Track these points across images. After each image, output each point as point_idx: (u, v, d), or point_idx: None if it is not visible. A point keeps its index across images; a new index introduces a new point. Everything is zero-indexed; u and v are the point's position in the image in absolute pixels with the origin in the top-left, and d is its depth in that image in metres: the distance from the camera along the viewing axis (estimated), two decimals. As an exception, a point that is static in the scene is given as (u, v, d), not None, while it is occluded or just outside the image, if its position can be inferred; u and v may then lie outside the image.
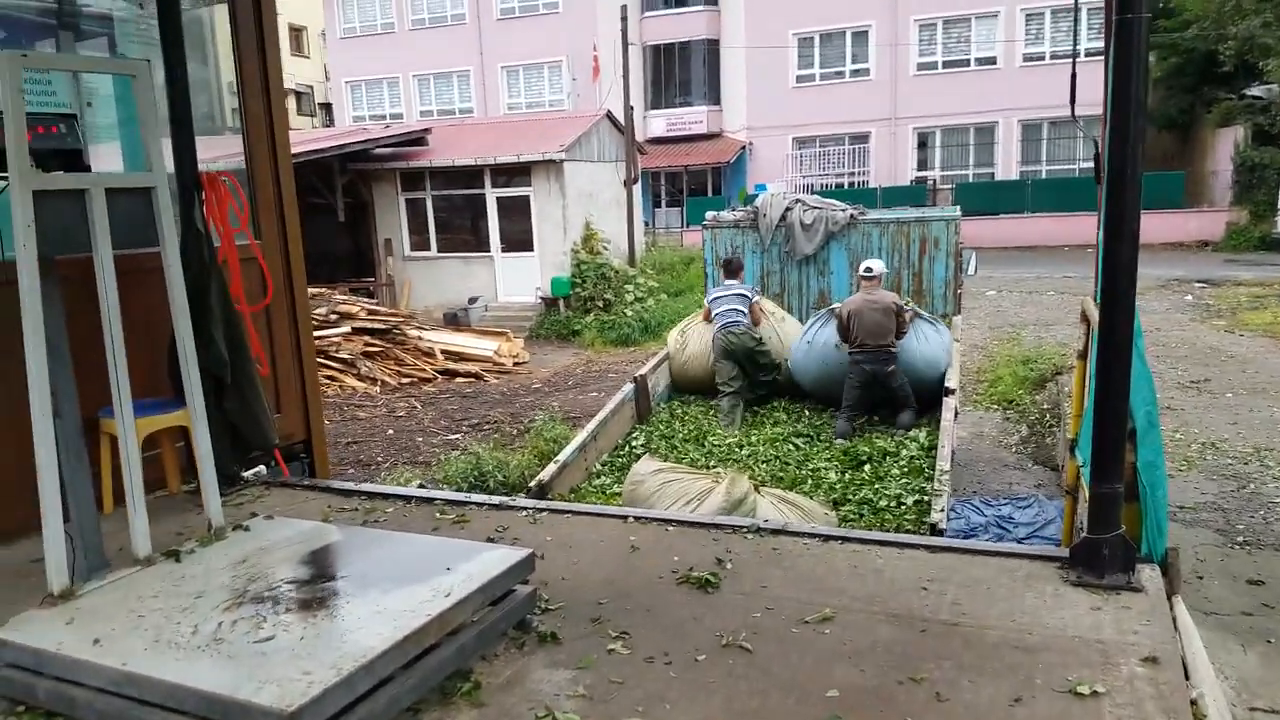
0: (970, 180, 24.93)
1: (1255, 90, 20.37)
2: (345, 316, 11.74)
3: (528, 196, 16.19)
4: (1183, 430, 7.03)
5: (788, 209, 7.93)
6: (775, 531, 2.93)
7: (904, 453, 5.71)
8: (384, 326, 12.00)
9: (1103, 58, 2.58)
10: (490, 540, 2.90)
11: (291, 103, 31.50)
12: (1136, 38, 2.25)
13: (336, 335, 11.36)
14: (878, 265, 6.65)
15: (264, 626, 1.98)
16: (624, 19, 19.40)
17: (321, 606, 2.10)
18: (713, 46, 27.22)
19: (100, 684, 1.86)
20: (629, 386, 6.72)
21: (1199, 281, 15.18)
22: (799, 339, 6.96)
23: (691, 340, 7.35)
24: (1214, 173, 21.69)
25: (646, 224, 23.77)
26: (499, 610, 2.21)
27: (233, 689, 1.74)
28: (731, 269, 7.18)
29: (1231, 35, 19.18)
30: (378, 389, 10.93)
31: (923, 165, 25.76)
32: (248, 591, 2.17)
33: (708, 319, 7.11)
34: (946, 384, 6.18)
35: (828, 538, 2.88)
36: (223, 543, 2.53)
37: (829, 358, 6.58)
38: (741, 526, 2.97)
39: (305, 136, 18.24)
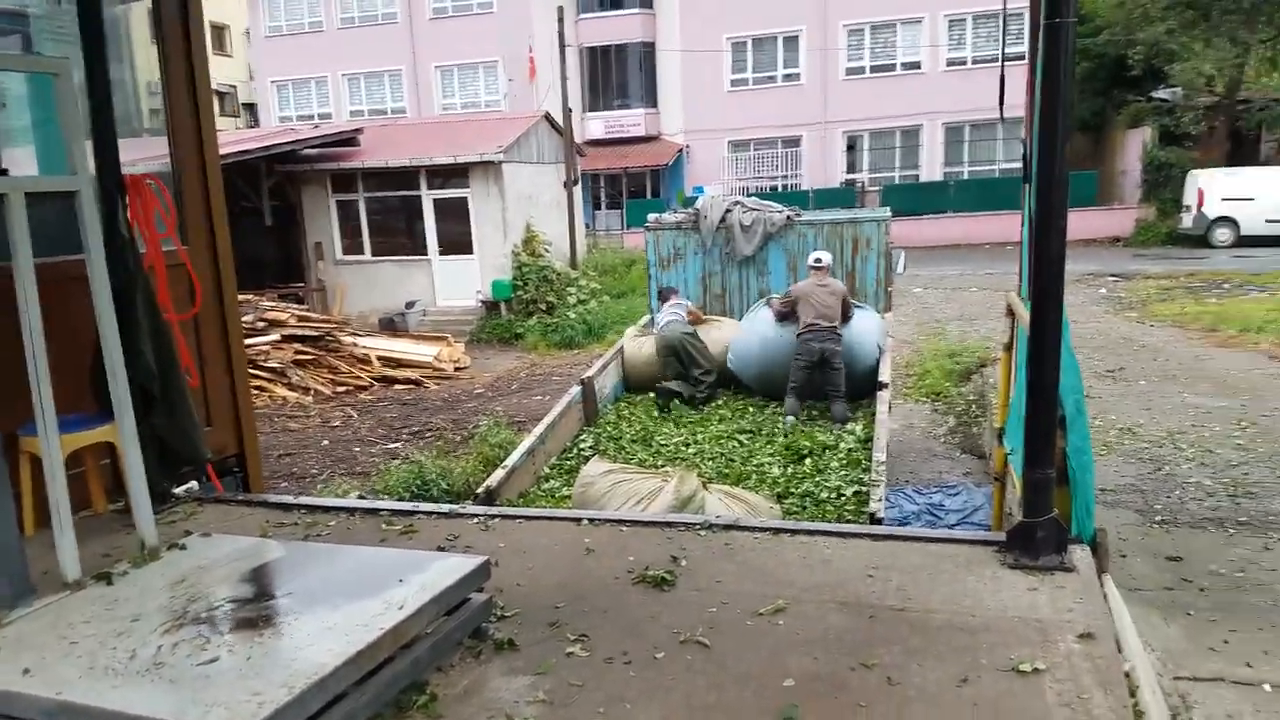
0: (896, 182, 25.71)
1: (1161, 93, 21.63)
2: (274, 324, 11.31)
3: (465, 198, 15.94)
4: (1101, 417, 7.38)
5: (727, 211, 8.07)
6: (727, 527, 2.97)
7: (842, 446, 5.87)
8: (316, 333, 11.61)
9: (1024, 62, 2.67)
10: (441, 549, 2.85)
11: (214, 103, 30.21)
12: (1064, 41, 2.32)
13: (265, 343, 10.93)
14: (826, 256, 7.07)
15: (207, 648, 1.91)
16: (560, 20, 19.31)
17: (268, 625, 2.03)
18: (649, 49, 27.33)
19: (34, 715, 1.77)
20: (576, 389, 6.71)
21: (1111, 275, 15.97)
22: (740, 325, 7.27)
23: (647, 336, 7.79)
24: (1124, 172, 22.91)
25: (587, 226, 23.69)
26: (454, 620, 2.18)
27: (177, 714, 1.67)
28: (664, 296, 7.81)
29: (1140, 41, 20.26)
30: (310, 398, 10.58)
31: (852, 168, 26.43)
32: (188, 612, 2.09)
33: None
34: (880, 378, 6.38)
35: (777, 531, 2.93)
36: (158, 563, 2.43)
37: (768, 336, 6.89)
38: (694, 524, 3.01)
39: (230, 138, 17.52)
